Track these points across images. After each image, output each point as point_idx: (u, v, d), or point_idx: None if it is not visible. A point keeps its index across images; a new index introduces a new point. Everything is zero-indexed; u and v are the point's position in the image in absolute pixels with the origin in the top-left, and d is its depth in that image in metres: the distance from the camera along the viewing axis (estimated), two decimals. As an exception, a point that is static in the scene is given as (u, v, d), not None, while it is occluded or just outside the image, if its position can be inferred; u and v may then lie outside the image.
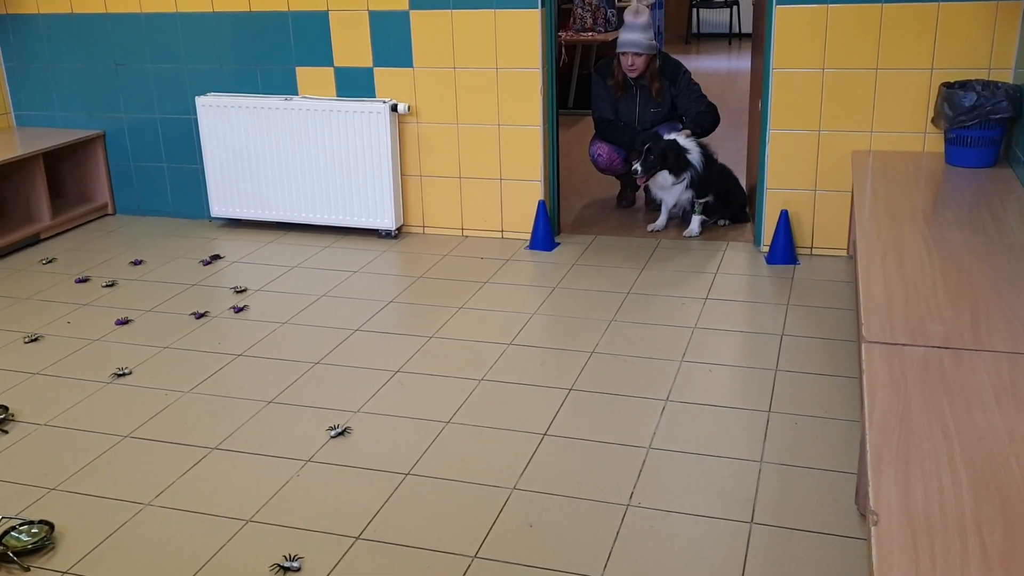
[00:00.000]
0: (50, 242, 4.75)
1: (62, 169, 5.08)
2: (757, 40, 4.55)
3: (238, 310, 3.81)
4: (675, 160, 4.37)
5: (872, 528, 1.51)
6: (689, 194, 4.50)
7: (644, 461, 2.66)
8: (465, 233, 4.65)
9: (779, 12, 3.95)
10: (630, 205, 5.05)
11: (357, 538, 2.37)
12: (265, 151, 4.66)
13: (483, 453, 2.74)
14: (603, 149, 4.85)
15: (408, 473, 2.64)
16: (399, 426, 2.90)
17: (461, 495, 2.54)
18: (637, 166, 4.37)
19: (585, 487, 2.55)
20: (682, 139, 4.44)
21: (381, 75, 4.52)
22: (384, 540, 2.36)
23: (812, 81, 3.99)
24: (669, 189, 4.48)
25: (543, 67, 4.30)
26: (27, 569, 2.27)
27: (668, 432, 2.81)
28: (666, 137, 4.42)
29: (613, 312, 3.69)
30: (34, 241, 4.71)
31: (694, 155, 4.43)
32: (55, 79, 5.02)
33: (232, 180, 4.78)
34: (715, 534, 2.35)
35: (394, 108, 4.47)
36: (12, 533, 2.37)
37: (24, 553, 2.31)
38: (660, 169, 4.39)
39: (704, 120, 4.66)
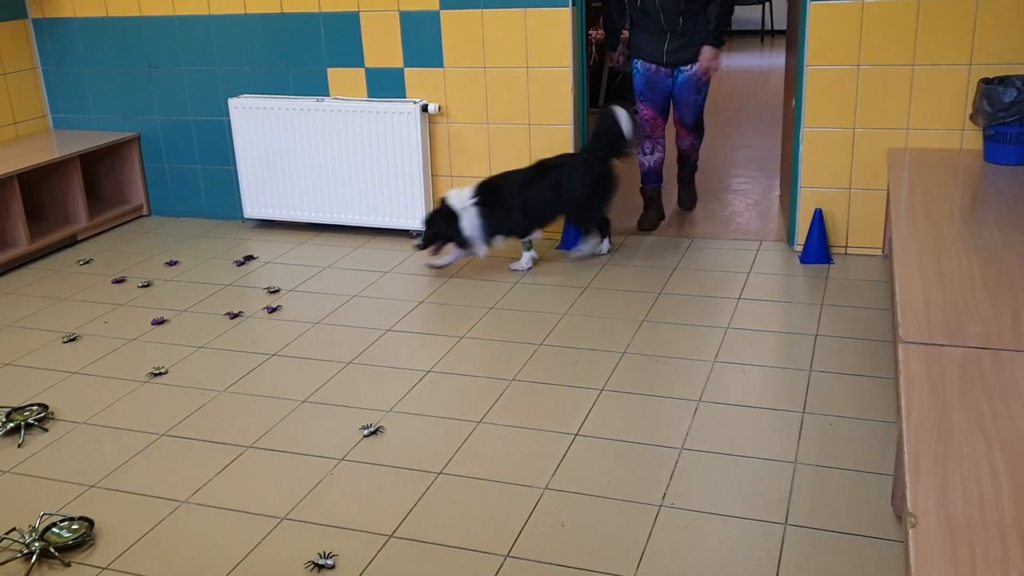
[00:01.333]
0: (87, 243, 4.82)
1: (98, 171, 5.16)
2: (791, 37, 4.51)
3: (271, 310, 3.85)
4: (450, 232, 4.07)
5: (910, 531, 1.49)
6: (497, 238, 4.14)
7: (677, 462, 2.65)
8: (496, 233, 4.65)
9: (813, 8, 3.91)
10: (651, 229, 4.66)
11: (390, 536, 2.38)
12: (297, 152, 4.70)
13: (514, 453, 2.74)
14: (647, 112, 4.55)
15: (440, 472, 2.65)
16: (431, 426, 2.91)
17: (493, 495, 2.54)
18: (417, 240, 4.17)
19: (617, 487, 2.54)
20: (454, 199, 4.06)
21: (412, 75, 4.54)
22: (417, 539, 2.37)
23: (847, 78, 3.95)
24: (470, 247, 4.12)
25: (574, 66, 4.30)
26: (68, 564, 2.31)
27: (701, 433, 2.80)
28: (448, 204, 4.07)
29: (645, 312, 3.67)
30: (71, 242, 4.79)
31: (467, 219, 4.02)
32: (91, 82, 5.10)
33: (265, 181, 4.82)
34: (749, 535, 2.33)
35: (425, 108, 4.48)
36: (53, 529, 2.41)
37: (65, 549, 2.35)
38: (441, 241, 4.13)
39: (724, 21, 4.40)
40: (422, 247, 4.17)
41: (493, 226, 4.09)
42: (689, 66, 4.44)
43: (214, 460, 2.77)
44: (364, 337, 3.56)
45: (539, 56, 4.31)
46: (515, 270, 4.17)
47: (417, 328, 3.65)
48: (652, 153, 4.65)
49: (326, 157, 4.66)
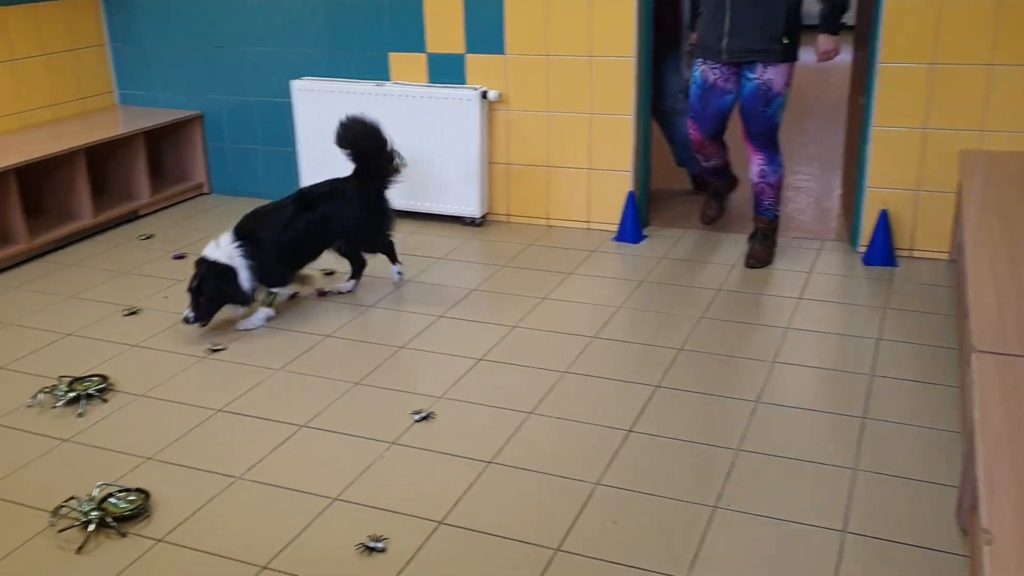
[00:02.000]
0: (148, 219, 4.90)
1: (161, 148, 5.23)
2: (861, 33, 4.39)
3: (323, 294, 3.87)
4: (230, 291, 3.45)
5: (985, 547, 1.44)
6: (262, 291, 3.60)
7: (733, 463, 2.61)
8: (550, 223, 4.63)
9: (888, 4, 3.80)
10: (711, 222, 4.48)
11: (440, 523, 2.38)
12: (356, 135, 4.71)
13: (566, 446, 2.72)
14: (694, 134, 4.12)
15: (491, 461, 2.64)
16: (482, 414, 2.90)
17: (544, 487, 2.52)
18: (189, 314, 3.41)
19: (671, 486, 2.51)
20: (216, 253, 3.45)
21: (473, 61, 4.52)
22: (467, 527, 2.36)
23: (920, 76, 3.83)
24: (250, 310, 3.57)
25: (638, 55, 4.24)
26: (124, 535, 2.34)
27: (758, 434, 2.75)
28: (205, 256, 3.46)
29: (702, 309, 3.62)
30: (133, 217, 4.87)
31: (242, 274, 3.44)
32: (157, 60, 5.17)
33: (323, 163, 4.82)
34: (806, 541, 2.28)
35: (484, 95, 4.46)
36: (110, 499, 2.45)
37: (121, 519, 2.39)
38: (220, 305, 3.48)
39: (839, 3, 3.78)
40: (199, 320, 3.42)
41: (263, 272, 3.50)
42: (759, 70, 3.78)
43: (268, 437, 2.79)
44: (416, 322, 3.56)
45: (603, 45, 4.26)
46: (244, 329, 3.51)
47: (469, 315, 3.64)
48: (709, 160, 4.29)
49: (385, 141, 4.66)
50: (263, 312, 3.58)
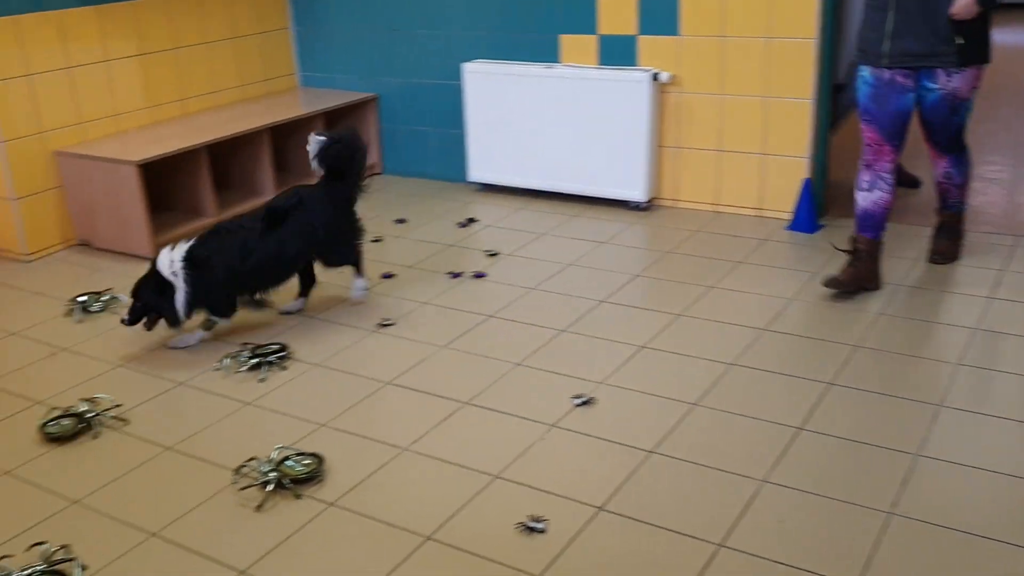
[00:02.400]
0: (325, 196, 5.11)
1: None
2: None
3: (480, 275, 3.92)
4: (162, 306, 3.25)
5: None
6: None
7: (911, 468, 2.46)
8: (719, 209, 4.50)
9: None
10: (840, 288, 3.48)
11: (600, 509, 2.36)
12: (523, 118, 4.74)
13: (731, 440, 2.64)
14: (870, 133, 3.47)
15: (652, 451, 2.60)
16: (643, 402, 2.86)
17: (707, 480, 2.46)
18: (124, 315, 3.31)
19: (843, 488, 2.39)
20: (164, 263, 3.23)
21: (645, 43, 4.45)
22: (627, 515, 2.34)
23: None
24: (182, 332, 3.39)
25: (819, 36, 4.04)
26: (299, 496, 2.47)
27: (940, 440, 2.58)
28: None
29: (881, 305, 3.43)
30: (311, 194, 5.09)
31: (179, 296, 3.24)
32: (337, 43, 5.37)
33: (491, 145, 4.91)
34: (992, 557, 2.12)
35: (655, 77, 4.38)
36: (287, 462, 2.58)
37: (297, 481, 2.51)
38: (149, 316, 3.29)
39: None
40: (128, 323, 3.28)
41: (207, 300, 3.32)
42: (941, 79, 3.28)
43: (433, 412, 2.86)
44: (578, 306, 3.56)
45: (781, 26, 4.09)
46: (176, 347, 3.36)
47: (632, 301, 3.60)
48: (871, 190, 3.50)
49: (551, 124, 4.67)
50: (198, 335, 3.38)
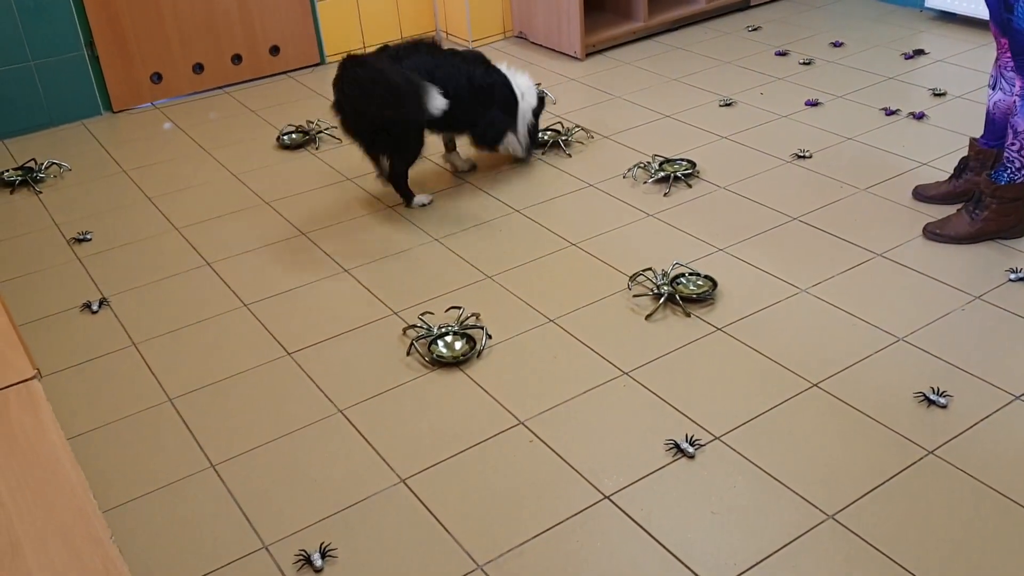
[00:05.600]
0: (758, 9, 4.81)
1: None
2: None
3: (919, 116, 3.47)
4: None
5: None
6: None
7: None
8: None
9: None
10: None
11: (1017, 398, 2.10)
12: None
13: None
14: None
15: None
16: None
17: None
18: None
19: None
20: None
21: None
22: (1051, 414, 2.05)
23: None
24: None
25: None
26: (688, 315, 2.49)
27: None
28: None
29: None
30: (744, 6, 4.82)
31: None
32: None
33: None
34: None
35: None
36: (681, 279, 2.60)
37: (688, 300, 2.53)
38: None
39: None
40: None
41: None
42: None
43: (841, 257, 2.68)
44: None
45: None
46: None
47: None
48: (995, 88, 2.72)
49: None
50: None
